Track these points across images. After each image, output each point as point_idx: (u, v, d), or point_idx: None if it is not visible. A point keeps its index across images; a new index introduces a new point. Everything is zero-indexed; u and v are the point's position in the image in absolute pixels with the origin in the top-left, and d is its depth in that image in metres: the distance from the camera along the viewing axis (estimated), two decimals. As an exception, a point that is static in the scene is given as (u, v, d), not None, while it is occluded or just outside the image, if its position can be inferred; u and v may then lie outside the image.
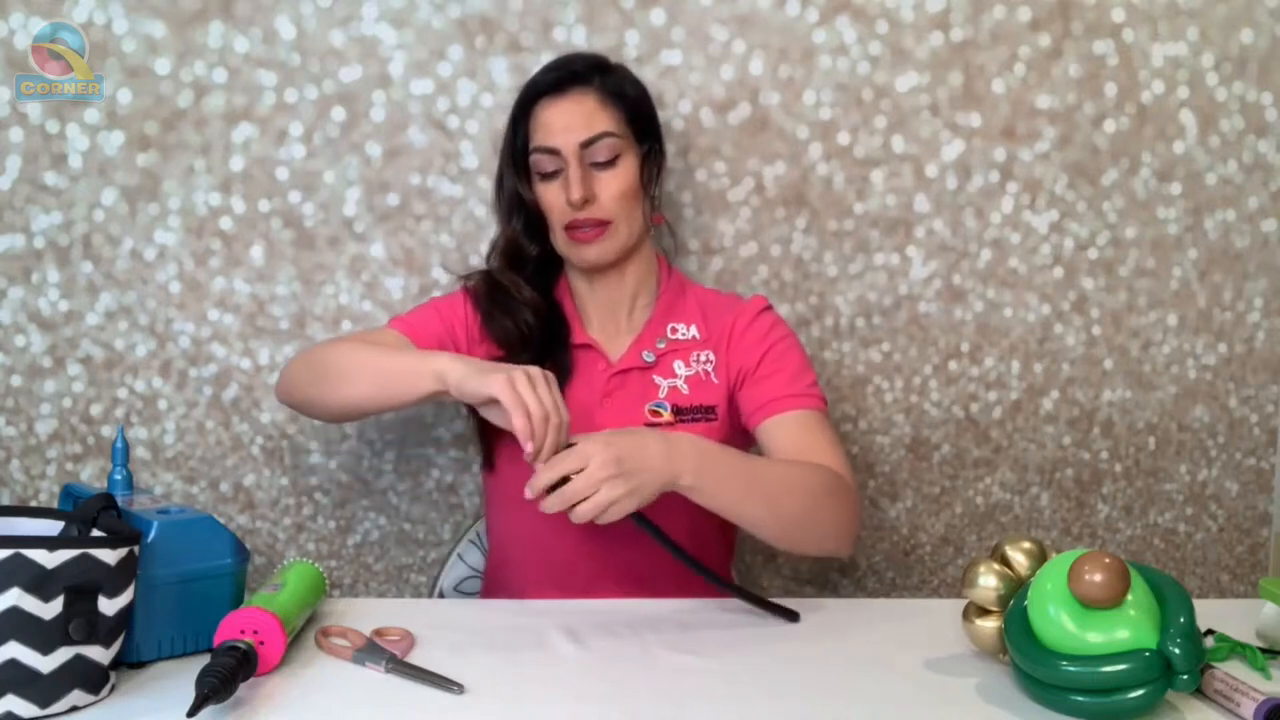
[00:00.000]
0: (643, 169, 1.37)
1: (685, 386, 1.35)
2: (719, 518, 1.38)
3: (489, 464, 1.39)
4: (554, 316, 1.38)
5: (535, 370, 1.14)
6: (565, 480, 1.09)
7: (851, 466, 1.31)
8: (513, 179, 1.37)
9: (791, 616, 1.18)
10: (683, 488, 1.14)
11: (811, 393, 1.33)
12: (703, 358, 1.37)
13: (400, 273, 1.60)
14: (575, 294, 1.41)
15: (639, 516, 1.13)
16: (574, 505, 1.08)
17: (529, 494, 1.10)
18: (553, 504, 1.09)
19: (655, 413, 1.33)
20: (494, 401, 1.12)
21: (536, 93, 1.35)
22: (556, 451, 1.11)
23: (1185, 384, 1.73)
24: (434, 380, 1.18)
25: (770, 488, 1.19)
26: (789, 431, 1.29)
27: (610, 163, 1.33)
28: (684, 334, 1.38)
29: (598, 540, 1.32)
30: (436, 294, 1.59)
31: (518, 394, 1.11)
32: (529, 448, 1.11)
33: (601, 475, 1.08)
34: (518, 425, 1.10)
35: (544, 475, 1.09)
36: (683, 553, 1.17)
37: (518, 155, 1.36)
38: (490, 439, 1.37)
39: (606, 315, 1.40)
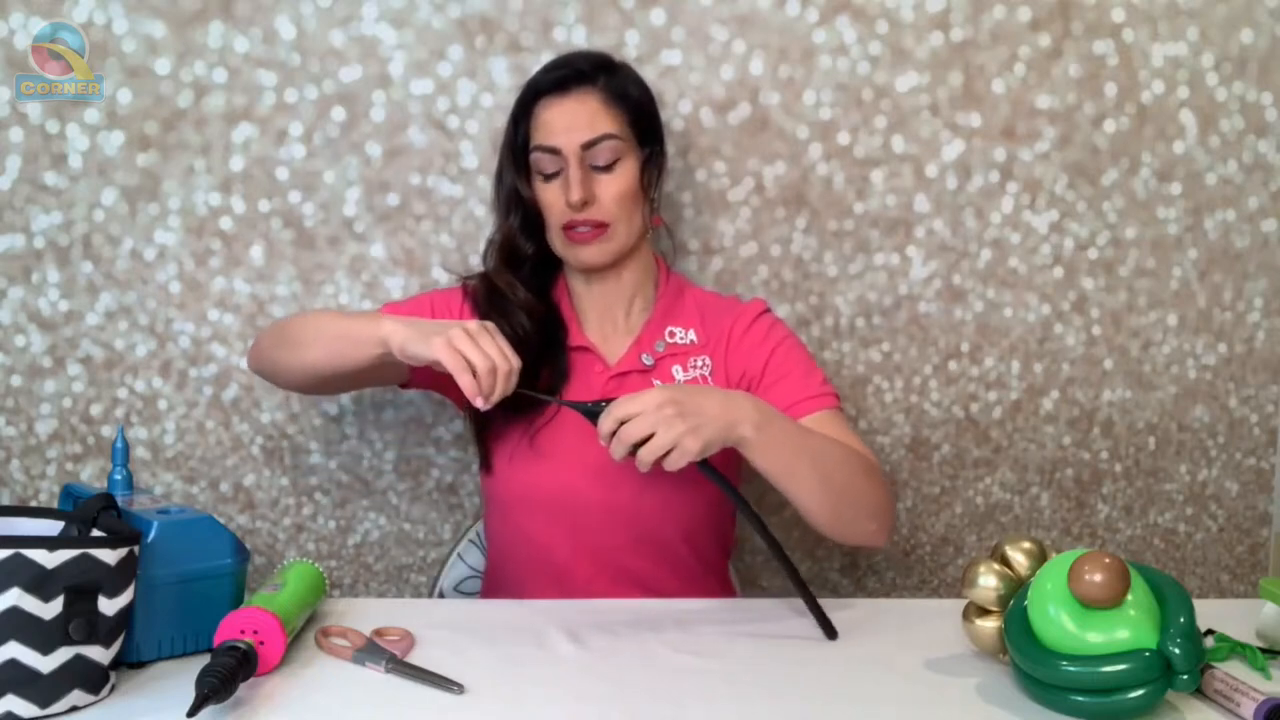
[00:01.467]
0: (643, 172, 1.36)
1: None
2: (716, 519, 1.38)
3: (486, 466, 1.38)
4: (551, 319, 1.38)
5: (473, 324, 1.14)
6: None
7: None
8: (512, 176, 1.36)
9: (831, 634, 1.14)
10: (743, 440, 1.13)
11: (825, 391, 1.33)
12: (699, 362, 1.36)
13: (400, 273, 1.60)
14: (573, 295, 1.41)
15: (706, 465, 1.12)
16: (637, 451, 1.08)
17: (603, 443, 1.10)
18: (617, 450, 1.09)
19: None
20: (439, 363, 1.13)
21: (539, 90, 1.34)
22: (508, 397, 1.13)
23: (1185, 384, 1.73)
24: (378, 344, 1.18)
25: (822, 456, 1.19)
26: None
27: (611, 165, 1.32)
28: (682, 338, 1.38)
29: (595, 542, 1.32)
30: (436, 294, 1.59)
31: (458, 352, 1.11)
32: (478, 403, 1.12)
33: (656, 416, 1.07)
34: (464, 385, 1.11)
35: (604, 424, 1.09)
36: (757, 517, 1.16)
37: (518, 153, 1.36)
38: (488, 441, 1.37)
39: (604, 316, 1.40)
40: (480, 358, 1.11)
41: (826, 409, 1.31)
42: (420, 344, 1.14)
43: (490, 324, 1.16)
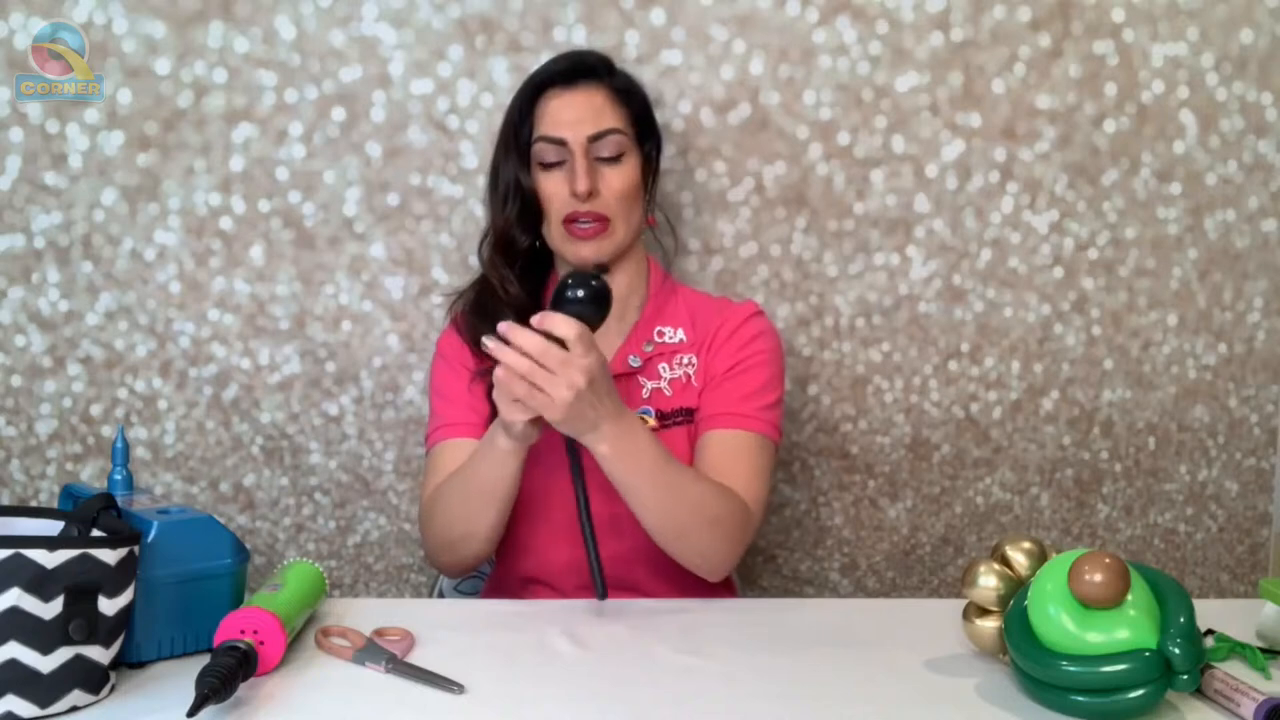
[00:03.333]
0: (642, 171, 1.36)
1: (669, 389, 1.35)
2: None
3: None
4: None
5: (498, 374, 1.11)
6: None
7: (765, 502, 1.30)
8: (513, 166, 1.35)
9: (601, 594, 1.18)
10: (595, 451, 1.14)
11: (762, 416, 1.31)
12: (685, 360, 1.36)
13: (400, 273, 1.60)
14: None
15: (574, 450, 1.13)
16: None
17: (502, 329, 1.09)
18: (513, 356, 1.07)
19: (641, 419, 1.32)
20: (535, 420, 1.13)
21: (546, 81, 1.34)
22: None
23: (1185, 384, 1.73)
24: (513, 455, 1.18)
25: (671, 491, 1.19)
26: (721, 448, 1.29)
27: (615, 159, 1.32)
28: (670, 337, 1.37)
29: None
30: (435, 295, 1.59)
31: (512, 404, 1.10)
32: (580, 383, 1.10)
33: (571, 369, 1.07)
34: (540, 405, 1.10)
35: (556, 321, 1.08)
36: (587, 511, 1.17)
37: (521, 144, 1.35)
38: None
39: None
40: (524, 389, 1.09)
41: (747, 431, 1.30)
42: (514, 430, 1.14)
43: (494, 369, 1.13)
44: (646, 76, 1.46)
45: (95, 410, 1.59)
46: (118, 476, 1.16)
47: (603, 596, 1.19)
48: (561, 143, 1.31)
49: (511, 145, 1.36)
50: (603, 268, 1.15)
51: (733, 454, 1.28)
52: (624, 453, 1.15)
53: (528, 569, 1.35)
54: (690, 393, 1.35)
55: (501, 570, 1.41)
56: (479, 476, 1.22)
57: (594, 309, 1.12)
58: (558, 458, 1.30)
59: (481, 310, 1.37)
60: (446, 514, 1.27)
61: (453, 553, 1.29)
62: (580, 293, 1.12)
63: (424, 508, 1.32)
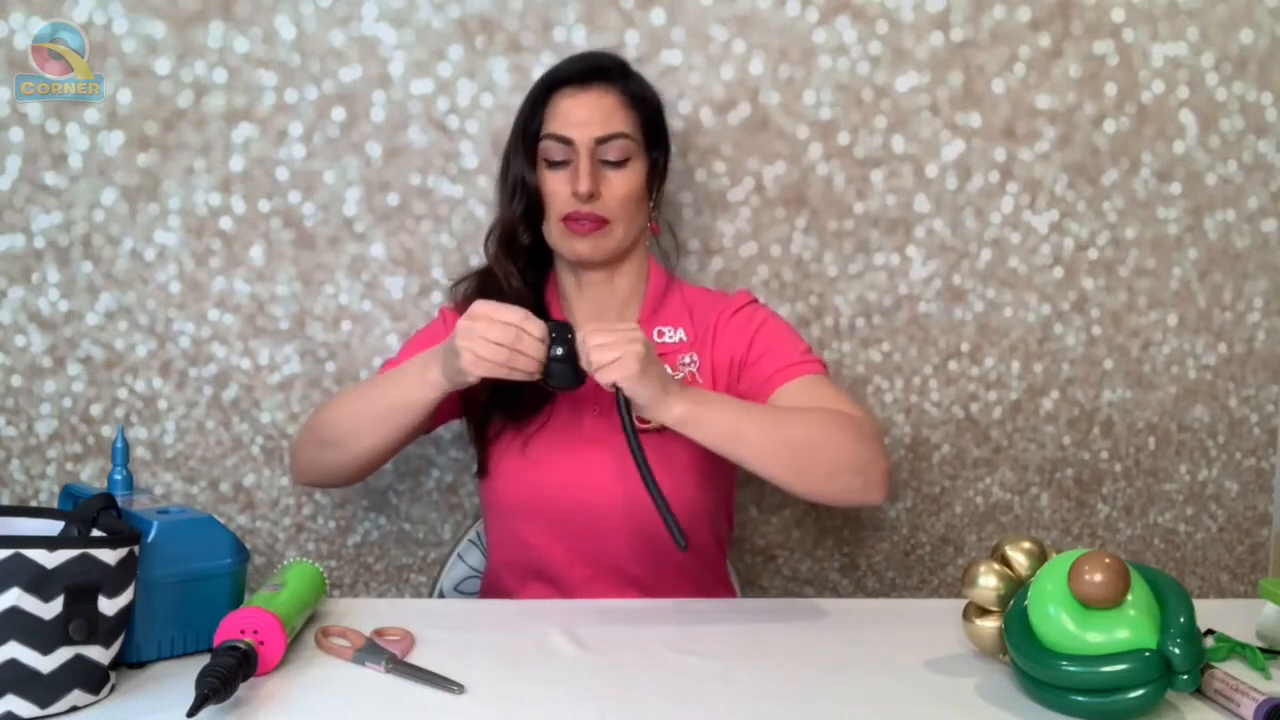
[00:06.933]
0: (648, 177, 1.37)
1: None
2: (712, 518, 1.37)
3: (483, 470, 1.38)
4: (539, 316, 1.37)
5: (473, 317, 1.14)
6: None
7: (871, 414, 1.29)
8: (520, 162, 1.36)
9: (682, 545, 1.15)
10: (675, 416, 1.15)
11: (808, 359, 1.32)
12: (687, 359, 1.36)
13: (400, 273, 1.60)
14: (564, 298, 1.41)
15: (624, 404, 1.15)
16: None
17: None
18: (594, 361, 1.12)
19: (644, 420, 1.32)
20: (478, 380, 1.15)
21: (560, 80, 1.35)
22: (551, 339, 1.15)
23: (1185, 384, 1.73)
24: (436, 390, 1.20)
25: (775, 418, 1.19)
26: (796, 395, 1.28)
27: (620, 163, 1.33)
28: (671, 337, 1.37)
29: (590, 546, 1.32)
30: (436, 295, 1.59)
31: (480, 359, 1.12)
32: (537, 378, 1.14)
33: (630, 348, 1.11)
34: (504, 375, 1.14)
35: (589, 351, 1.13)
36: (642, 456, 1.16)
37: (529, 139, 1.35)
38: (484, 445, 1.37)
39: (595, 321, 1.39)
40: (495, 350, 1.12)
41: (808, 374, 1.30)
42: (458, 374, 1.16)
43: (483, 305, 1.15)
44: (646, 76, 1.45)
45: (95, 410, 1.59)
46: (118, 476, 1.16)
47: (684, 547, 1.15)
48: (568, 142, 1.31)
49: (520, 141, 1.36)
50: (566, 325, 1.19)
51: (808, 394, 1.27)
52: (702, 406, 1.16)
53: (522, 561, 1.35)
54: None
55: (496, 563, 1.41)
56: (392, 390, 1.24)
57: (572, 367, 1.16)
58: (549, 452, 1.30)
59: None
60: (340, 409, 1.29)
61: (317, 449, 1.31)
62: (559, 350, 1.15)
63: (313, 418, 1.34)
